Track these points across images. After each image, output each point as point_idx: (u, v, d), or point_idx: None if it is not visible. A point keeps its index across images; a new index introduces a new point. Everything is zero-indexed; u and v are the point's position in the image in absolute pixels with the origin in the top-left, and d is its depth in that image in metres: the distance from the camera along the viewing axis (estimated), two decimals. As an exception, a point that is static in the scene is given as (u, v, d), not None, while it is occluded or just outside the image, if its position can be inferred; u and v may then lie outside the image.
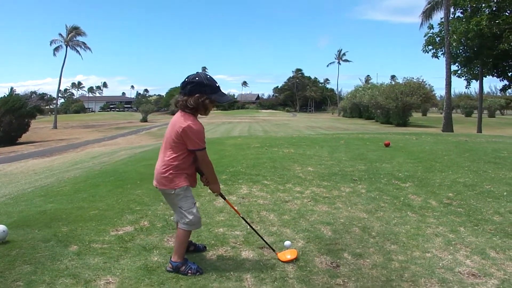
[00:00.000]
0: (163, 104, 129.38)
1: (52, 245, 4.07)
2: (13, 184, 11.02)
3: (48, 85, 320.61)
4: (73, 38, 64.00)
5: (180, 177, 3.51)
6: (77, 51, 64.77)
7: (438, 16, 39.81)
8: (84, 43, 65.12)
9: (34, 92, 50.25)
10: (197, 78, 3.43)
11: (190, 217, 3.55)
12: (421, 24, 41.12)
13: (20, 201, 6.76)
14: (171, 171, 3.48)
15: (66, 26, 63.89)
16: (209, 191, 6.25)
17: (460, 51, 34.98)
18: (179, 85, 3.55)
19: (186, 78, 3.46)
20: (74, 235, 4.39)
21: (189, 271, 3.44)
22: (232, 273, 3.50)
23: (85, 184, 7.79)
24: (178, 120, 3.46)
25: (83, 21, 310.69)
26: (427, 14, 40.61)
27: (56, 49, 64.34)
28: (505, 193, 6.46)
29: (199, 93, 3.41)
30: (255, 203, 5.80)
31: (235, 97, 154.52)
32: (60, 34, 63.87)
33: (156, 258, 3.79)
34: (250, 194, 6.35)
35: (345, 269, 3.66)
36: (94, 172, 9.86)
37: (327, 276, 3.49)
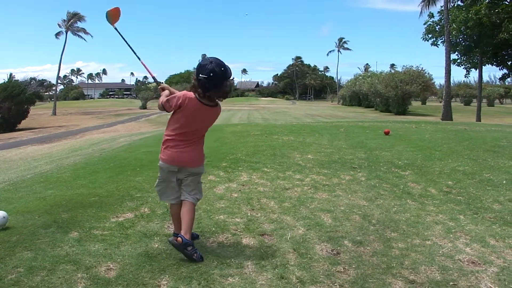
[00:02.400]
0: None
1: (52, 231, 4.07)
2: (12, 170, 11.01)
3: (47, 72, 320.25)
4: (73, 24, 63.62)
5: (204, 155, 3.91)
6: (80, 36, 64.54)
7: (438, 5, 39.53)
8: (84, 29, 64.80)
9: (34, 79, 50.05)
10: (222, 68, 3.52)
11: (202, 193, 3.94)
12: (421, 12, 40.92)
13: (19, 187, 6.76)
14: (203, 151, 3.86)
15: (68, 13, 63.57)
16: (209, 178, 6.29)
17: (460, 40, 34.86)
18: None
19: (211, 73, 3.43)
20: (75, 221, 4.40)
21: (195, 254, 3.43)
22: (232, 260, 3.50)
23: (84, 170, 7.79)
24: (218, 110, 3.75)
25: (85, 6, 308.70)
26: (427, 2, 40.37)
27: (58, 34, 64.21)
28: (504, 182, 6.47)
29: None
30: (255, 191, 5.80)
31: (235, 85, 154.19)
32: (63, 20, 63.57)
33: (157, 245, 3.80)
34: (250, 181, 6.35)
35: (345, 257, 3.67)
36: (93, 159, 9.86)
37: (328, 263, 3.50)
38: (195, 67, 3.61)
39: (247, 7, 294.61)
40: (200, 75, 3.43)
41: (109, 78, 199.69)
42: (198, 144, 3.74)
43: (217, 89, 3.50)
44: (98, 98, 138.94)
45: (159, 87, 3.87)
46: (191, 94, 3.54)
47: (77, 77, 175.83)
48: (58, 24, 63.75)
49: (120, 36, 4.10)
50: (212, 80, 3.41)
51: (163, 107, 3.64)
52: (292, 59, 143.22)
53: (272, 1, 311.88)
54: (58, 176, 7.40)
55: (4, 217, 4.15)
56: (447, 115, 34.83)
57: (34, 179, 7.49)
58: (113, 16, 4.16)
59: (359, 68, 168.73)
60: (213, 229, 4.29)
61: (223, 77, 3.47)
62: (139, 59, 4.02)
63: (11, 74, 46.94)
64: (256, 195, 5.58)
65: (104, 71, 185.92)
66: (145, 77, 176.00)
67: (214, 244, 3.91)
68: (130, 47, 4.12)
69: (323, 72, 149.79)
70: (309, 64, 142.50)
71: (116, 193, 5.60)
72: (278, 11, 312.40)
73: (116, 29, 4.11)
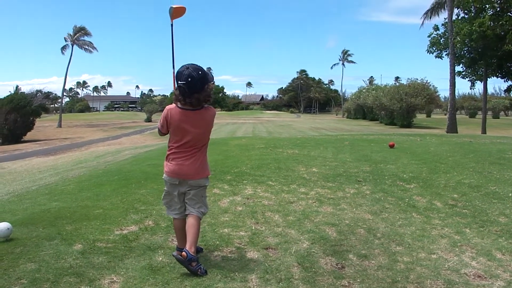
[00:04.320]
0: (168, 104, 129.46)
1: (56, 243, 4.08)
2: (17, 182, 11.04)
3: (53, 84, 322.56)
4: (79, 37, 64.15)
5: (208, 166, 3.88)
6: (85, 49, 65.03)
7: (441, 17, 39.68)
8: (90, 43, 65.32)
9: (40, 91, 50.30)
10: (200, 72, 3.51)
11: (208, 206, 3.92)
12: (422, 24, 41.21)
13: (24, 199, 6.78)
14: (206, 161, 3.83)
15: (75, 26, 64.17)
16: (213, 191, 6.28)
17: (464, 52, 34.87)
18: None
19: (189, 77, 3.45)
20: (79, 233, 4.40)
21: (199, 270, 3.41)
22: (237, 273, 3.48)
23: (89, 183, 7.80)
24: (207, 114, 3.69)
25: (90, 20, 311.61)
26: (429, 15, 40.52)
27: (64, 48, 64.66)
28: (510, 194, 6.43)
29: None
30: (259, 204, 5.79)
31: (239, 98, 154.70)
32: (69, 34, 64.10)
33: (160, 258, 3.79)
34: (254, 194, 6.34)
35: (350, 270, 3.64)
36: (98, 171, 9.87)
37: (332, 277, 3.47)
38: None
39: (252, 21, 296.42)
40: (179, 81, 3.46)
41: (114, 91, 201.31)
42: (198, 156, 3.71)
43: (198, 94, 3.51)
44: (103, 110, 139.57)
45: None
46: (171, 105, 3.66)
47: (82, 89, 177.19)
48: (64, 38, 64.28)
49: (171, 35, 4.20)
50: (191, 85, 3.44)
51: (160, 132, 3.78)
52: (297, 72, 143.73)
53: (277, 15, 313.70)
54: (63, 188, 7.41)
55: (8, 229, 4.15)
56: (452, 127, 34.73)
57: (39, 191, 7.50)
58: (176, 13, 4.24)
59: (363, 81, 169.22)
60: (217, 242, 4.27)
61: (202, 81, 3.49)
62: (173, 67, 4.03)
63: (17, 86, 47.50)
64: (261, 208, 5.56)
65: (109, 84, 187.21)
66: (150, 90, 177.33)
67: (218, 257, 3.89)
68: (173, 52, 4.21)
69: (327, 85, 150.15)
70: (313, 77, 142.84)
71: (121, 206, 5.60)
72: (283, 24, 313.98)
73: (171, 25, 4.19)
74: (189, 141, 3.64)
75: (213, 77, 3.69)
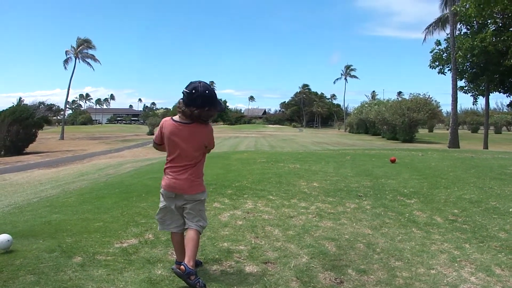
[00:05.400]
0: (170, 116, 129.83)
1: (56, 255, 4.08)
2: (19, 194, 11.06)
3: (56, 96, 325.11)
4: (83, 50, 64.31)
5: (203, 182, 3.83)
6: (88, 63, 65.18)
7: (443, 32, 39.80)
8: (93, 56, 65.50)
9: (42, 103, 50.56)
10: (207, 92, 3.56)
11: (207, 220, 3.90)
12: (424, 39, 41.29)
13: (25, 211, 6.79)
14: (201, 177, 3.79)
15: (78, 38, 64.32)
16: (214, 205, 6.29)
17: (467, 67, 34.93)
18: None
19: (193, 89, 3.51)
20: (79, 246, 4.40)
21: (198, 284, 3.41)
22: (236, 287, 3.49)
23: (90, 195, 7.81)
24: (200, 130, 3.66)
25: (93, 33, 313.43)
26: (431, 30, 40.71)
27: (66, 61, 64.72)
28: (510, 210, 6.43)
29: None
30: (260, 218, 5.79)
31: (242, 112, 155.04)
32: (72, 47, 64.27)
33: (160, 271, 3.79)
34: (255, 209, 6.34)
35: (349, 285, 3.65)
36: (99, 184, 9.89)
37: (331, 292, 3.47)
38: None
39: (255, 35, 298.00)
40: (184, 89, 3.56)
41: (117, 104, 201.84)
42: (193, 171, 3.71)
43: (202, 110, 3.55)
44: (106, 123, 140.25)
45: None
46: (167, 118, 3.77)
47: (85, 102, 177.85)
48: (66, 52, 64.37)
49: None
50: (192, 96, 3.51)
51: (154, 143, 3.90)
52: (299, 87, 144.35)
53: (280, 30, 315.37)
54: (64, 201, 7.43)
55: (8, 240, 4.17)
56: (454, 142, 34.72)
57: (40, 203, 7.52)
58: None
59: (366, 95, 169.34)
60: (217, 256, 4.28)
61: (205, 99, 3.53)
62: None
63: (20, 98, 47.62)
64: (261, 222, 5.57)
65: (112, 97, 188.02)
66: (153, 103, 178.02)
67: (217, 271, 3.90)
68: None
69: (330, 100, 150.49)
70: (316, 92, 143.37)
71: (121, 219, 5.61)
72: (286, 39, 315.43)
73: None
74: (180, 155, 3.67)
75: (222, 107, 3.79)
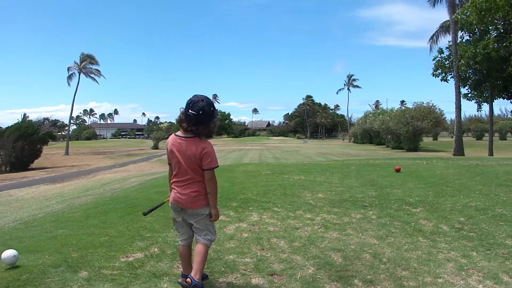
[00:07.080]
0: (174, 132, 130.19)
1: (62, 270, 4.09)
2: (24, 209, 11.08)
3: (61, 112, 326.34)
4: (86, 65, 64.54)
5: (206, 197, 3.74)
6: (92, 78, 65.38)
7: (446, 40, 39.83)
8: (97, 70, 65.72)
9: (47, 119, 50.59)
10: (211, 108, 3.61)
11: (215, 233, 3.85)
12: (430, 49, 41.16)
13: (31, 226, 6.80)
14: (204, 192, 3.71)
15: (82, 54, 64.60)
16: (219, 218, 6.27)
17: (470, 74, 34.92)
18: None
19: (200, 110, 3.53)
20: (84, 261, 4.41)
21: None
22: (241, 299, 3.48)
23: (95, 210, 7.82)
24: (196, 145, 3.62)
25: (97, 48, 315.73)
26: (435, 39, 40.71)
27: (70, 77, 64.90)
28: (517, 218, 6.40)
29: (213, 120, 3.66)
30: (265, 230, 5.79)
31: (246, 124, 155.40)
32: (75, 63, 64.54)
33: (166, 285, 3.79)
34: (260, 221, 6.34)
35: (355, 296, 3.63)
36: (105, 198, 9.90)
37: (338, 303, 3.46)
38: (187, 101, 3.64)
39: (257, 48, 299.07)
40: (190, 110, 3.53)
41: (121, 118, 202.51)
42: (195, 186, 3.69)
43: (203, 127, 3.59)
44: (110, 138, 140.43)
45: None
46: (171, 135, 3.84)
47: (89, 117, 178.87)
48: (68, 68, 64.51)
49: None
50: (200, 118, 3.53)
51: (168, 164, 3.93)
52: (303, 98, 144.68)
53: (282, 41, 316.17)
54: (69, 216, 7.44)
55: (14, 256, 4.18)
56: (459, 150, 34.66)
57: (46, 218, 7.53)
58: None
59: (369, 105, 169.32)
60: (223, 269, 4.27)
61: (211, 116, 3.59)
62: None
63: (25, 114, 47.69)
64: (266, 234, 5.56)
65: (116, 112, 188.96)
66: (157, 117, 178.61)
67: (223, 284, 3.89)
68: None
69: (333, 110, 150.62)
70: (319, 103, 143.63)
71: (127, 233, 5.62)
72: (289, 51, 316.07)
73: None
74: (180, 169, 3.70)
75: (217, 113, 3.80)
